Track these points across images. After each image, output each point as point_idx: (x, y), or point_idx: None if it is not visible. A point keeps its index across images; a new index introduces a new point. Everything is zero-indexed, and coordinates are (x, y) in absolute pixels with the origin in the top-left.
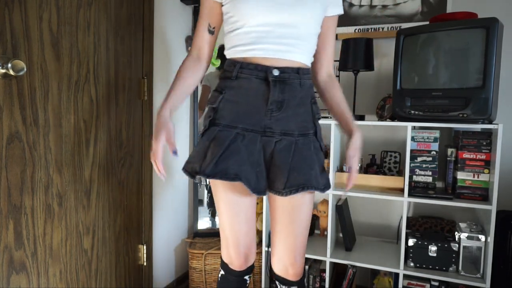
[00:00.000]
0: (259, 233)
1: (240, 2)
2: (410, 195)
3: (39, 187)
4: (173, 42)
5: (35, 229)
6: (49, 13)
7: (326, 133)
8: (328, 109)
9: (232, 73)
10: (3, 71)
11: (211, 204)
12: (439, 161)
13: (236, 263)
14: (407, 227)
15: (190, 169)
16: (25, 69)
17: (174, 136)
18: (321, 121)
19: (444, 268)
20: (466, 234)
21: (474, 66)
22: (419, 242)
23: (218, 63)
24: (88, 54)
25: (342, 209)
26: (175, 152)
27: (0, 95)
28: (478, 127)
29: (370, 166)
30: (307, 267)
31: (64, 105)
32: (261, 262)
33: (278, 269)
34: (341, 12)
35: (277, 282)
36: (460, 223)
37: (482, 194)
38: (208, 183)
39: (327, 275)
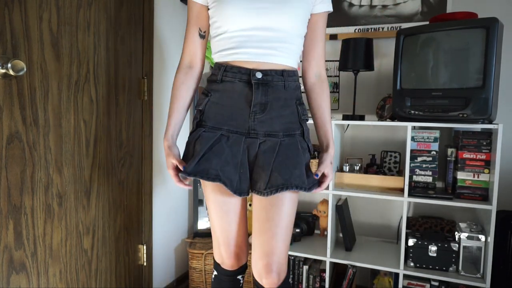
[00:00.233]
0: None
1: (222, 7)
2: (410, 195)
3: (39, 187)
4: (173, 42)
5: (35, 229)
6: (49, 13)
7: None
8: (310, 113)
9: (217, 77)
10: (3, 71)
11: (206, 207)
12: (439, 161)
13: (227, 263)
14: (407, 227)
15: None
16: (25, 69)
17: (180, 157)
18: None
19: (444, 268)
20: (466, 234)
21: (474, 66)
22: (419, 242)
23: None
24: (88, 54)
25: (342, 209)
26: (184, 169)
27: (0, 95)
28: (478, 127)
29: (370, 166)
30: (307, 267)
31: (64, 105)
32: None
33: (254, 273)
34: (330, 9)
35: None
36: (460, 223)
37: (482, 194)
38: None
39: (327, 275)
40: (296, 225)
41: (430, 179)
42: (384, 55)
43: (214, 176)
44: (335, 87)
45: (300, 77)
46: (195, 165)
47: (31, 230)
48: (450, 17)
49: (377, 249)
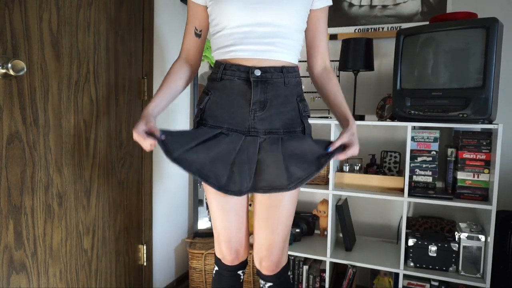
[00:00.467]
0: None
1: (219, 4)
2: (410, 195)
3: (39, 187)
4: (173, 42)
5: (35, 229)
6: (49, 13)
7: (326, 133)
8: (325, 103)
9: (217, 75)
10: (3, 71)
11: (208, 206)
12: (439, 161)
13: (228, 258)
14: (407, 227)
15: (166, 146)
16: (25, 69)
17: (155, 125)
18: (320, 121)
19: (444, 268)
20: (466, 234)
21: (474, 66)
22: (419, 242)
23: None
24: (88, 54)
25: (342, 209)
26: (162, 135)
27: (0, 95)
28: (478, 127)
29: (370, 166)
30: (307, 267)
31: (64, 105)
32: None
33: (255, 262)
34: (330, 3)
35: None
36: (460, 223)
37: (482, 194)
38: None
39: (327, 275)
40: (296, 225)
41: (430, 179)
42: (384, 55)
43: (195, 170)
44: None
45: (305, 77)
46: (183, 152)
47: (31, 230)
48: (450, 17)
49: (377, 249)
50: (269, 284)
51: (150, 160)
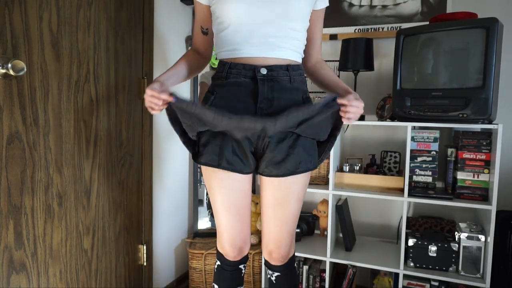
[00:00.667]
0: (259, 233)
1: (223, 3)
2: (410, 195)
3: (39, 187)
4: (173, 42)
5: (35, 229)
6: (49, 13)
7: None
8: (321, 86)
9: (222, 74)
10: (3, 71)
11: (211, 205)
12: (439, 161)
13: (231, 255)
14: (407, 227)
15: (172, 112)
16: (25, 69)
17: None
18: None
19: (444, 268)
20: (466, 234)
21: (474, 66)
22: (419, 242)
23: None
24: (88, 54)
25: (342, 209)
26: (173, 97)
27: (0, 95)
28: (478, 127)
29: (370, 166)
30: (307, 267)
31: (64, 105)
32: (261, 262)
33: (264, 254)
34: (327, 3)
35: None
36: (460, 223)
37: (482, 194)
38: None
39: (327, 275)
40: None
41: (430, 179)
42: (384, 55)
43: (196, 133)
44: None
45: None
46: (189, 129)
47: (31, 230)
48: (450, 17)
49: (377, 249)
50: (276, 273)
51: (150, 160)
